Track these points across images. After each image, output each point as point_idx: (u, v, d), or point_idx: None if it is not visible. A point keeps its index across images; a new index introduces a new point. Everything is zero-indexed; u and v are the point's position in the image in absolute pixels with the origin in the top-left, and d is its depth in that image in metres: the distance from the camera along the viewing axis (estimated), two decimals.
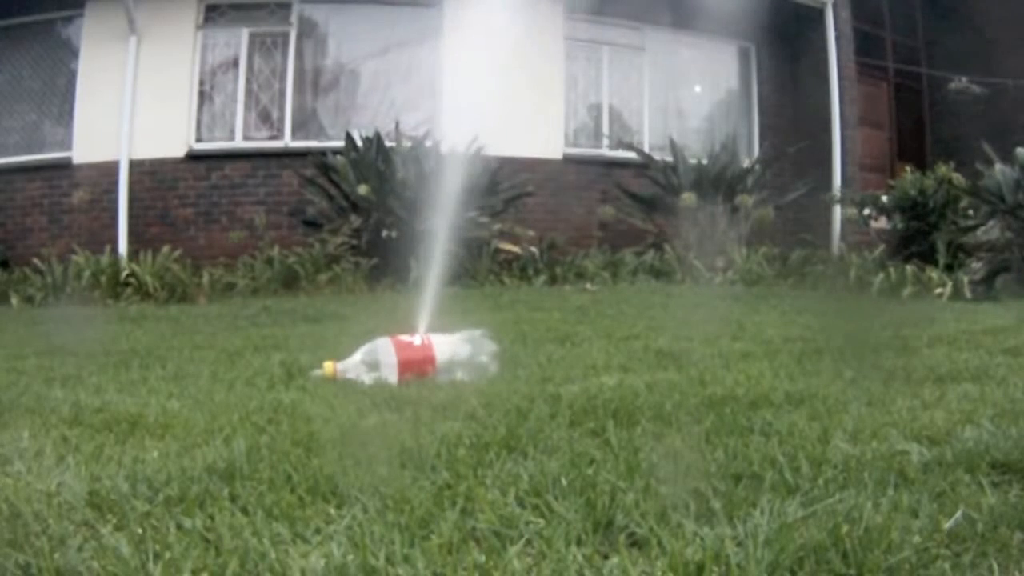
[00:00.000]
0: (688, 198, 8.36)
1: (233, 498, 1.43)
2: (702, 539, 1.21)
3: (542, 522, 1.30)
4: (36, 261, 7.45)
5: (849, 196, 9.52)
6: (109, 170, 8.35)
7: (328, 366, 2.70)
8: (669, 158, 9.16)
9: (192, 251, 8.11)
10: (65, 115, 8.79)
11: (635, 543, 1.25)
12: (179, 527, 1.29)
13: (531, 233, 8.24)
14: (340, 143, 7.93)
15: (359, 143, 7.77)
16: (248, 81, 8.92)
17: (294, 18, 9.00)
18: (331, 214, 7.85)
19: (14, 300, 6.80)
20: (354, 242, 7.40)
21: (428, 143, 7.79)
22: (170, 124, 8.61)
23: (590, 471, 1.53)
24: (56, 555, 1.17)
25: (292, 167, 8.41)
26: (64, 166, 8.64)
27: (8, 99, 9.07)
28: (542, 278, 7.61)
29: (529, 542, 1.24)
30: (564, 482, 1.46)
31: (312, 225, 7.96)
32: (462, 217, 6.88)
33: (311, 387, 2.58)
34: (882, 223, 9.18)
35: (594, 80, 9.99)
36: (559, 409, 2.08)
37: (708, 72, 10.77)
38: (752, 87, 10.81)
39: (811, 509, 1.32)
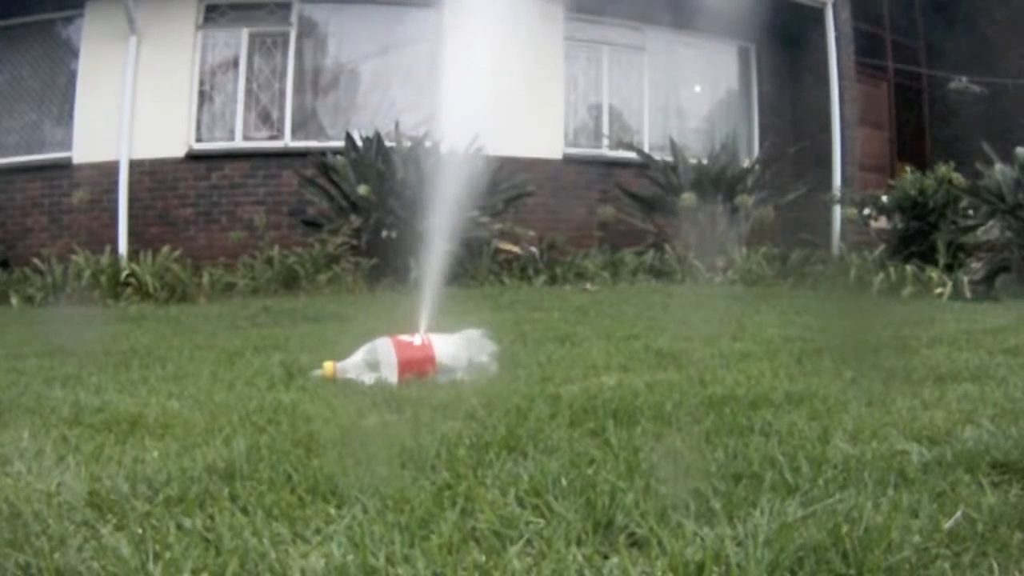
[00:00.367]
0: (688, 198, 8.36)
1: (233, 498, 1.43)
2: (702, 539, 1.21)
3: (542, 522, 1.30)
4: (36, 261, 7.45)
5: (849, 196, 9.51)
6: (109, 170, 8.36)
7: (328, 366, 2.70)
8: (669, 158, 9.17)
9: (192, 251, 8.11)
10: (65, 115, 8.79)
11: (635, 543, 1.25)
12: (179, 527, 1.29)
13: (531, 233, 8.24)
14: (340, 143, 7.93)
15: (359, 143, 7.77)
16: (248, 81, 8.92)
17: (294, 18, 9.00)
18: (331, 214, 7.84)
19: (14, 300, 6.80)
20: (354, 242, 7.40)
21: (428, 143, 7.78)
22: (170, 124, 8.61)
23: (590, 471, 1.53)
24: (56, 555, 1.17)
25: (292, 167, 8.41)
26: (64, 166, 8.64)
27: (8, 99, 9.07)
28: (542, 278, 7.61)
29: (529, 542, 1.24)
30: (564, 482, 1.46)
31: (312, 225, 7.96)
32: (462, 217, 6.86)
33: (311, 387, 2.58)
34: (882, 223, 9.18)
35: (594, 80, 9.99)
36: (559, 409, 2.09)
37: (708, 72, 10.77)
38: (752, 87, 10.81)
39: (811, 509, 1.32)
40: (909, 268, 6.96)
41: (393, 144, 7.83)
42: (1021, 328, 4.00)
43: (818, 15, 10.10)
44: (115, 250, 7.87)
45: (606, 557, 1.19)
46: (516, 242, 8.04)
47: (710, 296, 6.91)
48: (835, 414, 2.03)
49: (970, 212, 7.93)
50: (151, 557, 1.17)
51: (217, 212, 8.66)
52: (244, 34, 8.91)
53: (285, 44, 8.98)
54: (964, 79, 11.04)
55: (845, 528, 1.21)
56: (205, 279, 7.12)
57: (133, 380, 2.79)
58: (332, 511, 1.37)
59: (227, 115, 8.96)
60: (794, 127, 10.55)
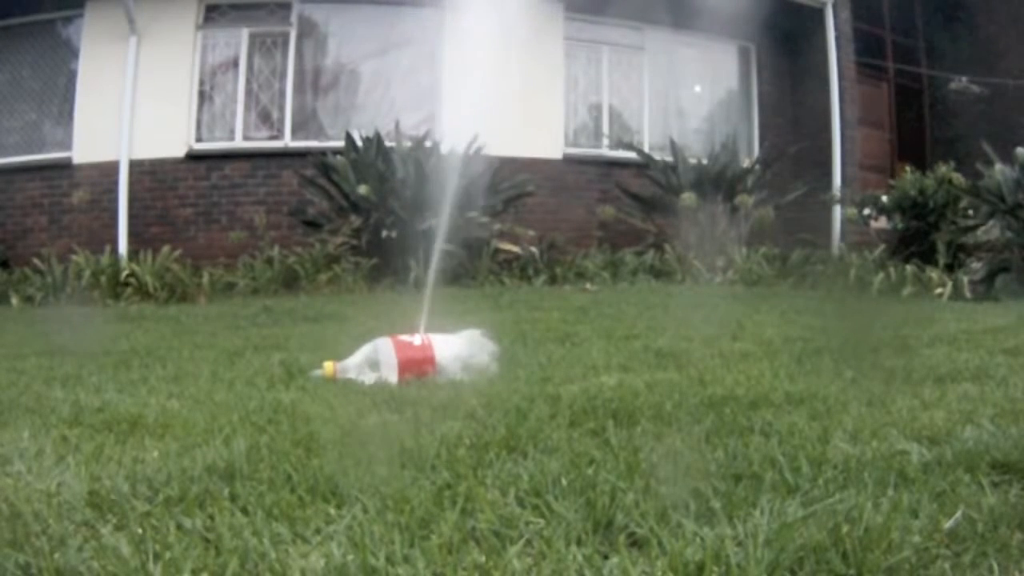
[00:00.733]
0: (688, 198, 8.36)
1: (233, 498, 1.43)
2: (702, 539, 1.21)
3: (542, 522, 1.30)
4: (36, 261, 7.45)
5: (849, 196, 9.52)
6: (109, 170, 8.36)
7: (328, 366, 2.70)
8: (669, 158, 9.17)
9: (192, 251, 8.11)
10: (65, 115, 8.79)
11: (635, 543, 1.25)
12: (179, 527, 1.29)
13: (531, 233, 8.24)
14: (340, 143, 7.93)
15: (359, 143, 7.77)
16: (248, 81, 8.92)
17: (294, 18, 9.00)
18: (331, 214, 7.85)
19: (14, 300, 6.80)
20: (354, 242, 7.40)
21: (428, 143, 7.79)
22: (170, 124, 8.61)
23: (590, 471, 1.53)
24: (56, 555, 1.17)
25: (292, 167, 8.41)
26: (64, 166, 8.64)
27: (8, 99, 9.07)
28: (542, 278, 7.61)
29: (529, 542, 1.24)
30: (564, 482, 1.46)
31: (312, 225, 7.96)
32: (462, 217, 6.88)
33: (311, 387, 2.58)
34: (882, 223, 9.18)
35: (594, 80, 9.99)
36: (559, 409, 2.08)
37: (708, 72, 10.77)
38: (752, 87, 10.81)
39: (811, 509, 1.32)
40: (909, 268, 6.96)
41: (393, 144, 7.83)
42: (1021, 328, 4.01)
43: (818, 15, 10.10)
44: (115, 250, 7.88)
45: (606, 557, 1.19)
46: (516, 242, 8.04)
47: (710, 296, 6.91)
48: (835, 414, 2.03)
49: (970, 212, 7.93)
50: (151, 557, 1.17)
51: (217, 212, 8.66)
52: (244, 34, 8.91)
53: (285, 44, 8.99)
54: (964, 79, 11.04)
55: (845, 528, 1.21)
56: (205, 279, 7.12)
57: (133, 380, 2.79)
58: (332, 511, 1.37)
59: (227, 115, 8.96)
60: (794, 127, 10.55)
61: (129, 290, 6.85)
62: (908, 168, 9.07)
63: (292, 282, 7.12)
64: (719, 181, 8.72)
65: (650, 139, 9.97)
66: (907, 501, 1.36)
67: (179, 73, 8.67)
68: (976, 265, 7.29)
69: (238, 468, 1.57)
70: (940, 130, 12.05)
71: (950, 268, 7.11)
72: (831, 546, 1.18)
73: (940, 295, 6.41)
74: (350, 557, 1.17)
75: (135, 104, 8.34)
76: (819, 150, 10.01)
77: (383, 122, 8.28)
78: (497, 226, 7.92)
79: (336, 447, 1.73)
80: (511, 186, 8.11)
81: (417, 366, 2.68)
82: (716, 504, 1.35)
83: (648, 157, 9.31)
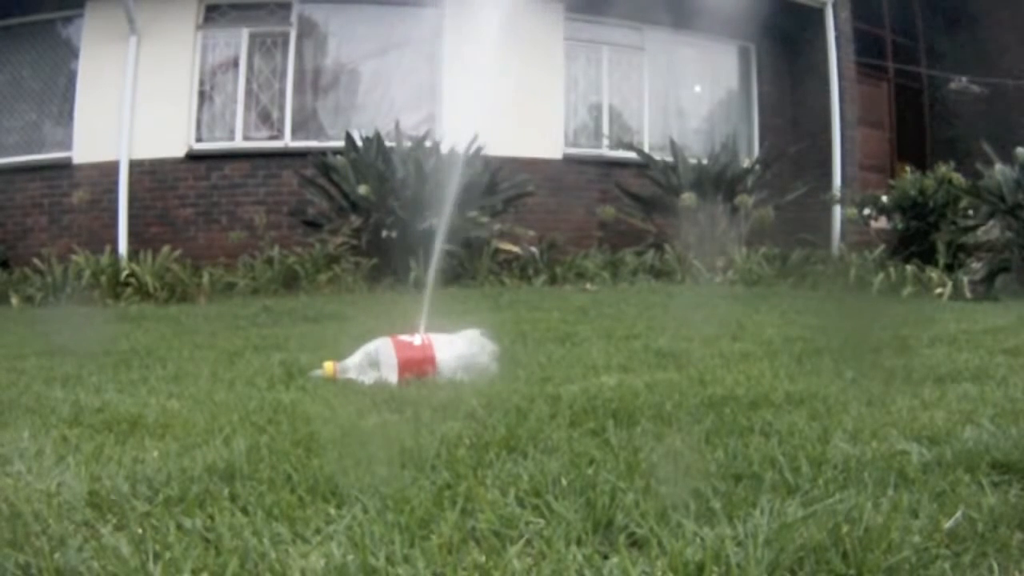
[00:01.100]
0: (688, 198, 8.36)
1: (233, 498, 1.43)
2: (702, 539, 1.21)
3: (542, 522, 1.30)
4: (36, 261, 7.45)
5: (849, 196, 9.52)
6: (109, 170, 8.36)
7: (328, 366, 2.70)
8: (669, 158, 9.17)
9: (192, 251, 8.11)
10: (65, 115, 8.79)
11: (635, 543, 1.25)
12: (179, 527, 1.29)
13: (531, 233, 8.24)
14: (340, 143, 7.93)
15: (359, 143, 7.77)
16: (248, 81, 8.92)
17: (294, 18, 9.00)
18: (331, 214, 7.84)
19: (14, 300, 6.80)
20: (354, 242, 7.40)
21: (428, 143, 7.79)
22: (170, 124, 8.61)
23: (590, 471, 1.53)
24: (56, 555, 1.17)
25: (292, 167, 8.41)
26: (64, 166, 8.64)
27: (8, 99, 9.07)
28: (542, 278, 7.61)
29: (529, 542, 1.24)
30: (564, 482, 1.46)
31: (312, 225, 7.96)
32: (462, 217, 6.89)
33: (311, 387, 2.58)
34: (882, 223, 9.18)
35: (594, 80, 9.99)
36: (559, 409, 2.08)
37: (708, 72, 10.77)
38: (752, 87, 10.81)
39: (811, 509, 1.32)
40: (909, 268, 6.96)
41: (393, 144, 7.83)
42: (1021, 328, 4.00)
43: (818, 15, 10.10)
44: (115, 250, 7.88)
45: (606, 557, 1.19)
46: (516, 242, 8.04)
47: (710, 296, 6.91)
48: (835, 414, 2.03)
49: (970, 212, 7.93)
50: (151, 557, 1.17)
51: (217, 212, 8.66)
52: (244, 34, 8.91)
53: (285, 44, 8.99)
54: (964, 79, 11.04)
55: (845, 528, 1.21)
56: (205, 279, 7.12)
57: (133, 380, 2.79)
58: (332, 511, 1.37)
59: (227, 115, 8.96)
60: (794, 127, 10.55)
61: (129, 290, 6.85)
62: (908, 168, 9.08)
63: (292, 282, 7.12)
64: (719, 181, 8.72)
65: (650, 139, 9.97)
66: (907, 501, 1.36)
67: (179, 73, 8.67)
68: (976, 265, 7.29)
69: (238, 468, 1.57)
70: (940, 130, 12.05)
71: (950, 268, 7.11)
72: (831, 546, 1.18)
73: (940, 295, 6.41)
74: (350, 557, 1.17)
75: (135, 104, 8.34)
76: (819, 150, 10.01)
77: (383, 122, 8.28)
78: (497, 226, 7.92)
79: (336, 447, 1.73)
80: (511, 186, 8.11)
81: (417, 366, 2.68)
82: (716, 504, 1.35)
83: (648, 157, 9.31)
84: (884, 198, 9.04)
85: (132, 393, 2.51)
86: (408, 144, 7.87)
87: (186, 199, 8.68)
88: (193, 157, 8.71)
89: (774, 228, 8.66)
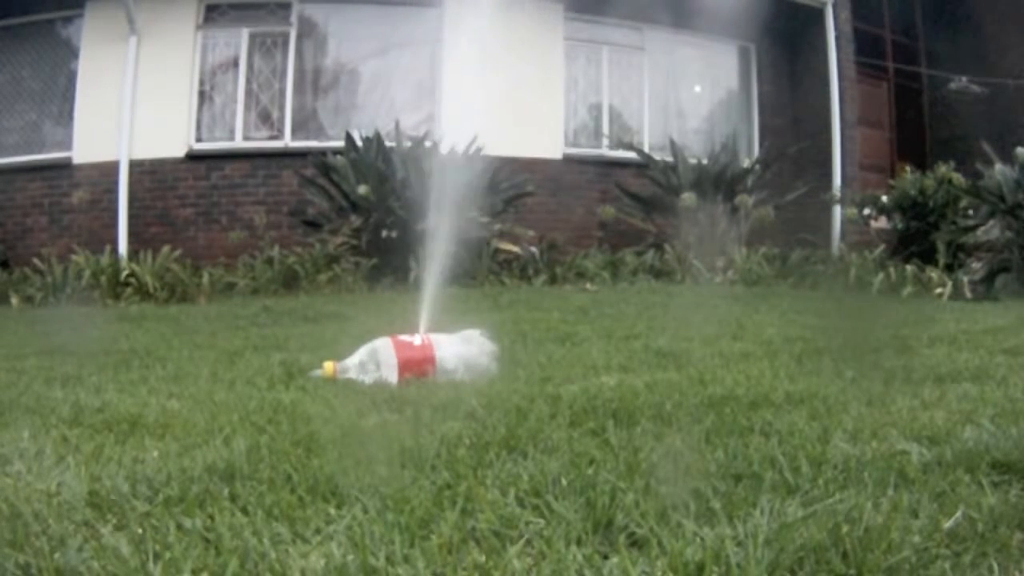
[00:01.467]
0: (688, 198, 8.36)
1: (233, 498, 1.43)
2: (702, 539, 1.21)
3: (542, 522, 1.30)
4: (36, 261, 7.45)
5: (849, 196, 9.52)
6: (109, 170, 8.36)
7: (328, 366, 2.70)
8: (669, 158, 9.17)
9: (192, 251, 8.11)
10: (65, 115, 8.79)
11: (635, 543, 1.25)
12: (179, 527, 1.29)
13: (531, 233, 8.24)
14: (340, 143, 7.93)
15: (359, 143, 7.77)
16: (248, 81, 8.92)
17: (294, 18, 9.00)
18: (331, 214, 7.84)
19: (14, 300, 6.80)
20: (354, 242, 7.40)
21: (428, 143, 7.79)
22: (170, 124, 8.61)
23: (590, 471, 1.53)
24: (56, 555, 1.17)
25: (292, 167, 8.41)
26: (64, 166, 8.64)
27: (8, 99, 9.07)
28: (542, 278, 7.61)
29: (529, 542, 1.24)
30: (564, 482, 1.46)
31: (312, 225, 7.96)
32: (462, 217, 6.87)
33: (311, 387, 2.58)
34: (882, 223, 9.19)
35: (594, 80, 9.99)
36: (559, 409, 2.08)
37: (708, 72, 10.77)
38: (752, 87, 10.81)
39: (811, 509, 1.32)
40: (909, 268, 6.96)
41: (393, 144, 7.83)
42: (1021, 328, 4.01)
43: (818, 15, 10.10)
44: (115, 250, 7.87)
45: (606, 557, 1.19)
46: (516, 242, 8.04)
47: (710, 296, 6.91)
48: (835, 414, 2.03)
49: (970, 212, 7.93)
50: (151, 557, 1.17)
51: (217, 212, 8.66)
52: (244, 34, 8.91)
53: (285, 44, 8.99)
54: (964, 79, 11.04)
55: (845, 528, 1.21)
56: (205, 279, 7.12)
57: (133, 380, 2.79)
58: (332, 511, 1.37)
59: (227, 115, 8.96)
60: (794, 127, 10.55)
61: (129, 290, 6.85)
62: (908, 168, 9.08)
63: (292, 282, 7.11)
64: (719, 181, 8.72)
65: (650, 139, 9.97)
66: (907, 501, 1.36)
67: (179, 73, 8.67)
68: (976, 265, 7.29)
69: (238, 468, 1.57)
70: (940, 130, 12.04)
71: (950, 268, 7.11)
72: (831, 546, 1.18)
73: (940, 295, 6.41)
74: (350, 557, 1.17)
75: (135, 104, 8.34)
76: (819, 150, 10.01)
77: (383, 122, 8.28)
78: (497, 226, 7.92)
79: (336, 447, 1.73)
80: (511, 186, 8.11)
81: (417, 366, 2.68)
82: (716, 504, 1.35)
83: (648, 157, 9.31)
84: (884, 198, 9.04)
85: (132, 393, 2.51)
86: (408, 144, 7.87)
87: (186, 199, 8.68)
88: (193, 157, 8.71)
89: (774, 228, 8.66)
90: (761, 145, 10.23)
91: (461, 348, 2.77)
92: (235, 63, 8.91)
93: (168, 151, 8.62)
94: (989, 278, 6.83)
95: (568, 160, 9.52)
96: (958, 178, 8.13)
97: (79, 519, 1.34)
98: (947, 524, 1.27)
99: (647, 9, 9.27)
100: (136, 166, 8.41)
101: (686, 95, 10.58)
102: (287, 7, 8.99)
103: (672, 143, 9.30)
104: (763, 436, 1.82)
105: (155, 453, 1.74)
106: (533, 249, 8.20)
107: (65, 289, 6.93)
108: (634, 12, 9.57)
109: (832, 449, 1.69)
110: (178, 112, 8.65)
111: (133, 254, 7.73)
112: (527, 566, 1.16)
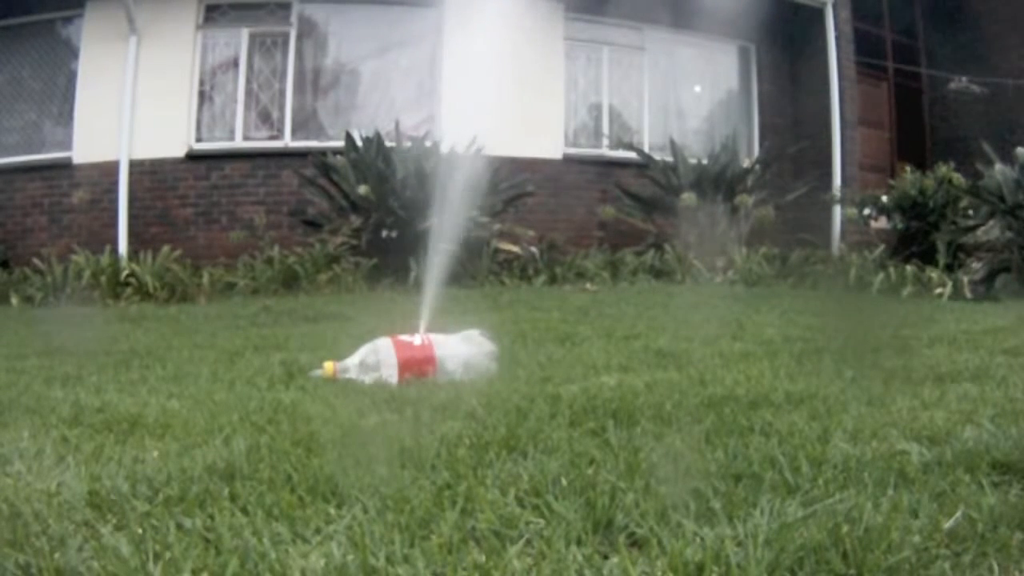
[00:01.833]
0: (688, 198, 8.36)
1: (233, 498, 1.43)
2: (702, 539, 1.21)
3: (542, 522, 1.30)
4: (36, 261, 7.45)
5: (849, 196, 9.52)
6: (109, 170, 8.36)
7: (328, 366, 2.70)
8: (669, 158, 9.17)
9: (192, 251, 8.11)
10: (65, 115, 8.79)
11: (635, 543, 1.25)
12: (179, 527, 1.29)
13: (531, 233, 8.24)
14: (340, 143, 7.93)
15: (359, 143, 7.77)
16: (248, 81, 8.92)
17: (294, 18, 9.00)
18: (331, 214, 7.85)
19: (14, 300, 6.80)
20: (354, 242, 7.40)
21: (428, 143, 7.79)
22: (170, 124, 8.61)
23: (590, 471, 1.53)
24: (56, 555, 1.17)
25: (292, 167, 8.41)
26: (64, 166, 8.64)
27: (8, 99, 9.07)
28: (542, 278, 7.61)
29: (529, 542, 1.24)
30: (564, 482, 1.46)
31: (312, 225, 7.96)
32: (462, 217, 6.87)
33: (311, 387, 2.58)
34: (882, 223, 9.19)
35: (594, 80, 9.99)
36: (559, 409, 2.08)
37: (708, 72, 10.77)
38: (752, 87, 10.81)
39: (811, 509, 1.32)
40: (909, 268, 6.96)
41: (393, 144, 7.83)
42: (1021, 328, 4.00)
43: (818, 15, 10.10)
44: (115, 250, 7.87)
45: (606, 557, 1.19)
46: (516, 242, 8.04)
47: (710, 296, 6.90)
48: (835, 414, 2.03)
49: (970, 212, 7.93)
50: (151, 557, 1.17)
51: (217, 212, 8.66)
52: (244, 34, 8.91)
53: (285, 44, 8.99)
54: (964, 79, 11.04)
55: (845, 528, 1.21)
56: (205, 279, 7.12)
57: (133, 380, 2.79)
58: (332, 511, 1.37)
59: (227, 115, 8.96)
60: (794, 127, 10.56)
61: (129, 290, 6.85)
62: (908, 168, 9.08)
63: (292, 282, 7.12)
64: (719, 181, 8.72)
65: (650, 139, 9.97)
66: (907, 501, 1.36)
67: (179, 73, 8.67)
68: (976, 265, 7.29)
69: (238, 468, 1.57)
70: (940, 130, 12.05)
71: (950, 268, 7.11)
72: (831, 546, 1.18)
73: (940, 295, 6.41)
74: (350, 557, 1.17)
75: (135, 104, 8.34)
76: (819, 150, 10.01)
77: (383, 122, 8.28)
78: (497, 226, 7.92)
79: (336, 447, 1.73)
80: (511, 186, 8.11)
81: (417, 366, 2.68)
82: (716, 504, 1.35)
83: (648, 157, 9.31)
84: (884, 198, 9.04)
85: (132, 393, 2.51)
86: (408, 144, 7.87)
87: (186, 199, 8.68)
88: (193, 157, 8.71)
89: (774, 228, 8.66)
90: (761, 145, 10.23)
91: (461, 348, 2.78)
92: (235, 63, 8.91)
93: (168, 151, 8.62)
94: (989, 278, 6.83)
95: (568, 160, 9.52)
96: (958, 178, 8.14)
97: (79, 519, 1.34)
98: (947, 524, 1.27)
99: (647, 9, 9.27)
100: (136, 166, 8.41)
101: (686, 95, 10.58)
102: (287, 7, 8.99)
103: (672, 143, 9.30)
104: (763, 436, 1.82)
105: (155, 453, 1.74)
106: (533, 249, 8.20)
107: (65, 289, 6.93)
108: (634, 12, 9.57)
109: (832, 449, 1.69)
110: (178, 112, 8.65)
111: (133, 254, 7.73)
112: (527, 566, 1.16)
